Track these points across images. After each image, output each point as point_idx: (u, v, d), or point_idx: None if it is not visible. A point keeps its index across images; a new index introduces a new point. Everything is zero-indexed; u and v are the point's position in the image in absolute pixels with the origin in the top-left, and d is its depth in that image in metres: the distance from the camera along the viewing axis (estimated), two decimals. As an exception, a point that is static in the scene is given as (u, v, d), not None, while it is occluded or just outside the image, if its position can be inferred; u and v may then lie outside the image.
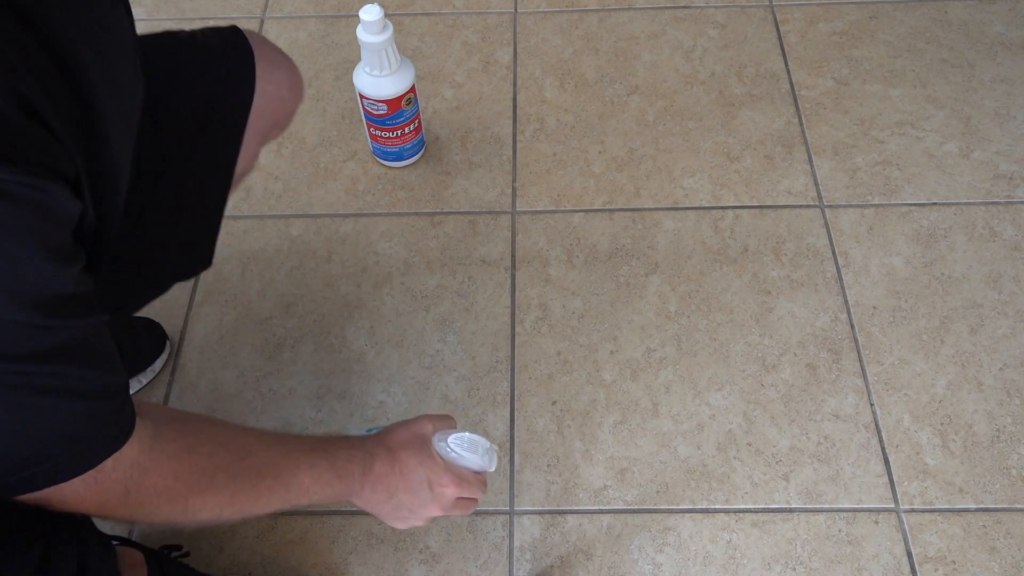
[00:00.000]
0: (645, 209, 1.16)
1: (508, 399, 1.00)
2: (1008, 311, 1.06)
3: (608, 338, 1.04)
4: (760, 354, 1.03)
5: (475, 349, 1.04)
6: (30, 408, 0.46)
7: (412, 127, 1.16)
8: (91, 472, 0.51)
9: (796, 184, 1.18)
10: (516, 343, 1.04)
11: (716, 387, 1.00)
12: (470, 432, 0.74)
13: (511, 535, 0.91)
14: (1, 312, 0.41)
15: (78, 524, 0.57)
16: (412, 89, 1.10)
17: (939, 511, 0.92)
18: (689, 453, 0.96)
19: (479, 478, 0.75)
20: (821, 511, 0.92)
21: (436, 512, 0.72)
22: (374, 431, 0.76)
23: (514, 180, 1.20)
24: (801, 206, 1.16)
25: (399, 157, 1.19)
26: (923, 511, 0.92)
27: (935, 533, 0.90)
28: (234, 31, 0.79)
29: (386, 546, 0.90)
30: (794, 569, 0.88)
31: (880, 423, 0.97)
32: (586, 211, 1.16)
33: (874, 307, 1.06)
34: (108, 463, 0.51)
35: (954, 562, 0.88)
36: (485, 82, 1.32)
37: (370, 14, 1.00)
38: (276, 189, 1.20)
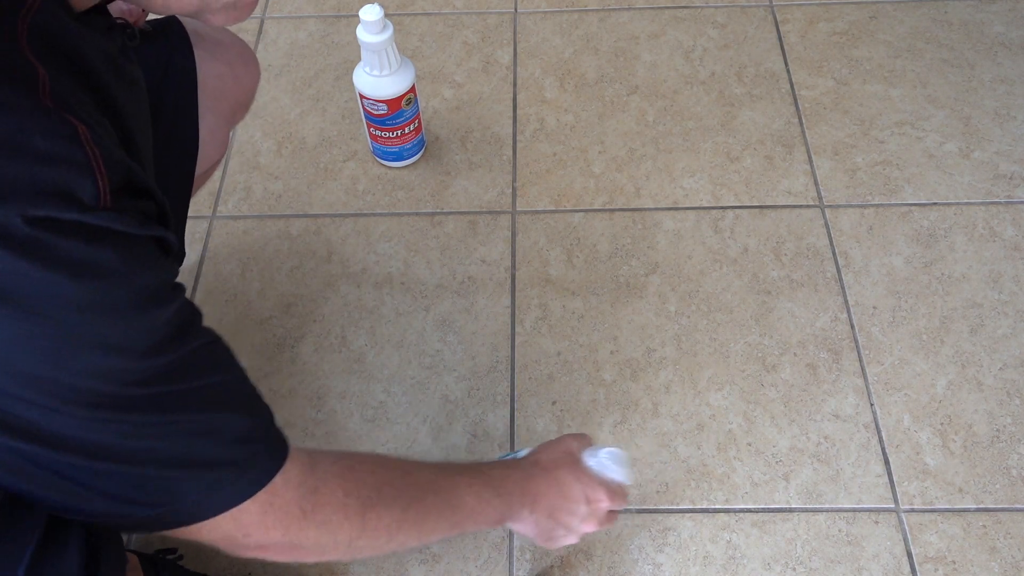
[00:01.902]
0: (645, 209, 1.16)
1: (508, 399, 1.00)
2: (1008, 311, 1.06)
3: (608, 338, 1.05)
4: (760, 354, 1.03)
5: (475, 349, 1.04)
6: (190, 433, 0.47)
7: (412, 127, 1.16)
8: (264, 494, 0.51)
9: (796, 184, 1.18)
10: (516, 343, 1.04)
11: (716, 387, 1.00)
12: (611, 446, 0.76)
13: (511, 535, 0.91)
14: (134, 335, 0.43)
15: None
16: (412, 89, 1.10)
17: (939, 511, 0.92)
18: (689, 453, 0.96)
19: (625, 490, 0.75)
20: (821, 511, 0.92)
21: (592, 528, 0.72)
22: (509, 457, 0.76)
23: (514, 180, 1.20)
24: (801, 206, 1.16)
25: (399, 157, 1.19)
26: (923, 511, 0.92)
27: (935, 533, 0.90)
28: (168, 18, 0.76)
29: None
30: (794, 569, 0.88)
31: (880, 423, 0.97)
32: (586, 211, 1.16)
33: (874, 307, 1.06)
34: (278, 482, 0.52)
35: (954, 562, 0.88)
36: (485, 82, 1.32)
37: (370, 14, 1.00)
38: (276, 189, 1.20)
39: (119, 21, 0.55)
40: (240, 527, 0.51)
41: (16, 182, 0.36)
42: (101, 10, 0.51)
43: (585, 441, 0.77)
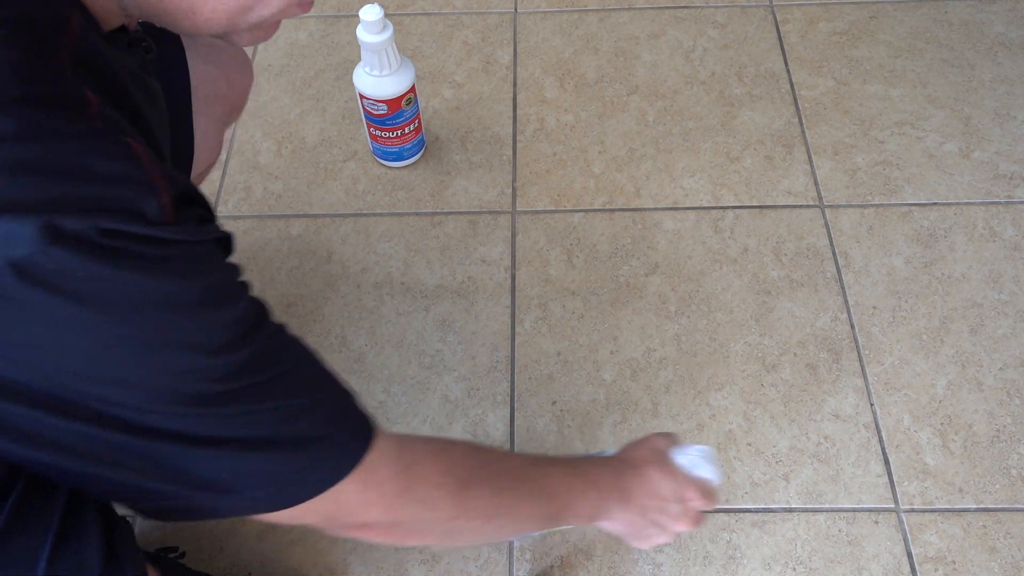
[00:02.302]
0: (645, 209, 1.16)
1: (508, 399, 1.00)
2: (1008, 311, 1.06)
3: (608, 338, 1.05)
4: (760, 354, 1.03)
5: (475, 349, 1.04)
6: (278, 420, 0.47)
7: (412, 127, 1.16)
8: (361, 471, 0.51)
9: (796, 184, 1.18)
10: (516, 343, 1.04)
11: (716, 387, 1.00)
12: (699, 445, 0.76)
13: (511, 535, 0.91)
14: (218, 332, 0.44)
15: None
16: (412, 89, 1.10)
17: (939, 511, 0.92)
18: (689, 453, 0.96)
19: (715, 488, 0.75)
20: (821, 511, 0.92)
21: (684, 527, 0.72)
22: (595, 455, 0.76)
23: (514, 180, 1.20)
24: (801, 206, 1.16)
25: (399, 157, 1.19)
26: (923, 511, 0.92)
27: (935, 533, 0.90)
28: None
29: (386, 546, 0.90)
30: (794, 569, 0.88)
31: (880, 423, 0.97)
32: (586, 211, 1.16)
33: (874, 307, 1.06)
34: (372, 458, 0.52)
35: (954, 562, 0.88)
36: (485, 82, 1.32)
37: (370, 14, 1.00)
38: (276, 189, 1.20)
39: (135, 34, 0.55)
40: (341, 507, 0.52)
41: (85, 201, 0.37)
42: (121, 27, 0.52)
43: (672, 439, 0.77)
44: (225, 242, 0.48)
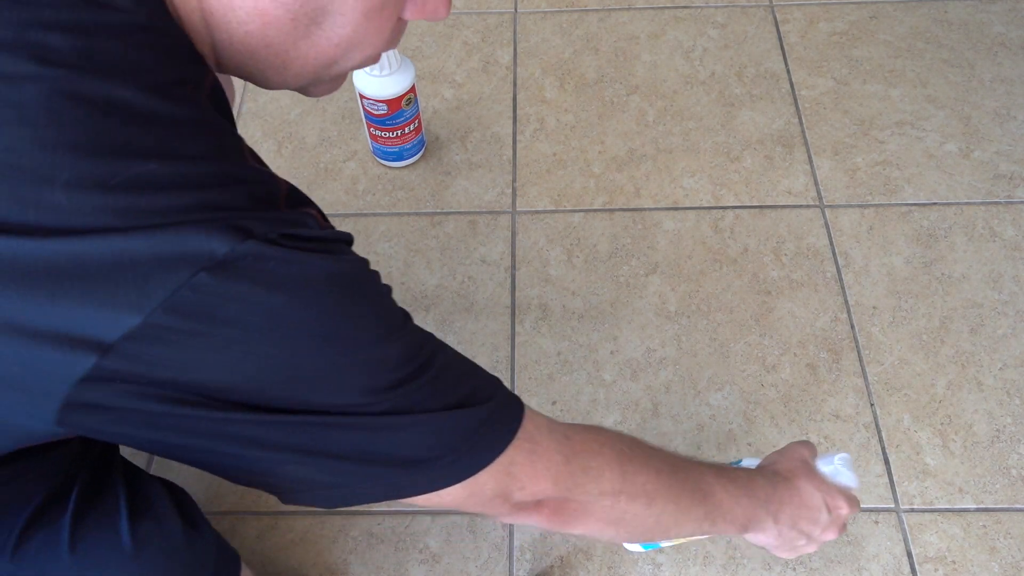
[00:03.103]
0: (645, 209, 1.16)
1: (508, 399, 1.00)
2: (1008, 311, 1.06)
3: (608, 338, 1.05)
4: (760, 354, 1.03)
5: (475, 349, 1.04)
6: (453, 380, 0.49)
7: (412, 127, 1.16)
8: (523, 440, 0.52)
9: (796, 184, 1.18)
10: (516, 343, 1.04)
11: (716, 387, 1.00)
12: (838, 453, 0.76)
13: (511, 535, 0.91)
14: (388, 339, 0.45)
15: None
16: (412, 89, 1.10)
17: (939, 511, 0.92)
18: (689, 453, 0.96)
19: (857, 495, 0.75)
20: (821, 511, 0.92)
21: (832, 535, 0.71)
22: (733, 465, 0.76)
23: (514, 180, 1.20)
24: (801, 206, 1.16)
25: (399, 157, 1.19)
26: (923, 511, 0.92)
27: (935, 533, 0.90)
28: None
29: (386, 546, 0.90)
30: (794, 569, 0.88)
31: (880, 423, 0.97)
32: (586, 211, 1.16)
33: (874, 307, 1.06)
34: (529, 427, 0.52)
35: (954, 562, 0.88)
36: (485, 82, 1.32)
37: (370, 14, 1.00)
38: (276, 189, 1.20)
39: None
40: (513, 477, 0.52)
41: (260, 207, 0.40)
42: None
43: (812, 448, 0.76)
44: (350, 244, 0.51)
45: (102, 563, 0.54)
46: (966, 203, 1.16)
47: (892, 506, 0.92)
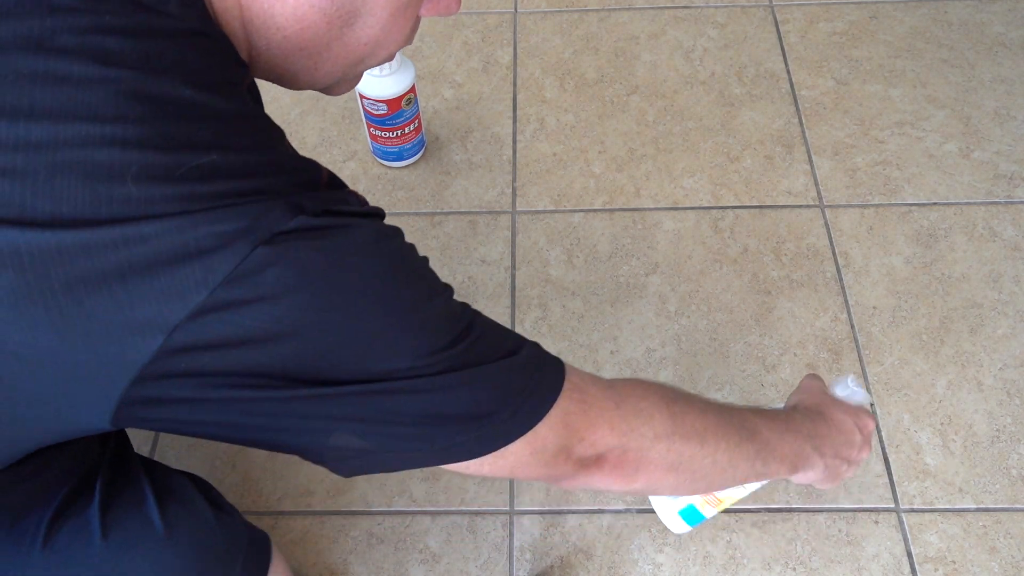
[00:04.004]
0: (645, 209, 1.16)
1: (508, 399, 1.00)
2: (1008, 311, 1.06)
3: (608, 338, 1.04)
4: (760, 354, 1.03)
5: (475, 349, 1.04)
6: (499, 337, 0.51)
7: (412, 127, 1.16)
8: (572, 391, 0.53)
9: (796, 184, 1.18)
10: (516, 343, 1.04)
11: (716, 387, 1.00)
12: (843, 375, 0.82)
13: (511, 535, 0.91)
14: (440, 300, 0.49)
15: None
16: (412, 89, 1.10)
17: (939, 511, 0.92)
18: (689, 453, 0.96)
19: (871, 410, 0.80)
20: (821, 511, 0.92)
21: (866, 454, 0.76)
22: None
23: (514, 180, 1.20)
24: (801, 206, 1.16)
25: (399, 157, 1.19)
26: (923, 511, 0.92)
27: (935, 533, 0.90)
28: None
29: (386, 546, 0.90)
30: (794, 569, 0.88)
31: (880, 423, 0.97)
32: (586, 211, 1.16)
33: (874, 307, 1.06)
34: (575, 379, 0.54)
35: (954, 562, 0.88)
36: (485, 82, 1.32)
37: (370, 14, 1.00)
38: (276, 189, 1.20)
39: None
40: (571, 429, 0.53)
41: (310, 186, 0.43)
42: None
43: (820, 379, 0.80)
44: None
45: (135, 547, 0.55)
46: (966, 203, 1.16)
47: (892, 506, 0.92)
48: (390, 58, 0.54)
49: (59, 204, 0.37)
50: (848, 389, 0.79)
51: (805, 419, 0.72)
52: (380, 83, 1.07)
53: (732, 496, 0.79)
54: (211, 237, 0.38)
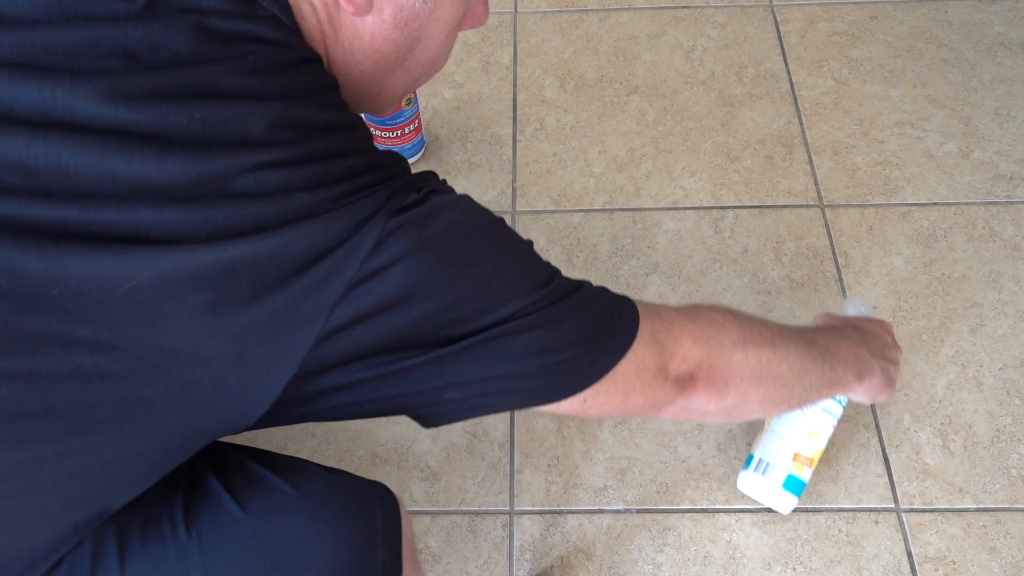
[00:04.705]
0: (645, 209, 1.16)
1: (508, 399, 1.00)
2: (1008, 311, 1.06)
3: (608, 338, 1.04)
4: (760, 354, 1.03)
5: (475, 349, 1.04)
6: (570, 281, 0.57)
7: (412, 127, 1.16)
8: (649, 317, 0.59)
9: (796, 184, 1.18)
10: (516, 343, 1.04)
11: (716, 387, 1.00)
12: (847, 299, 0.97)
13: (511, 535, 0.91)
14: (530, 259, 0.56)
15: None
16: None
17: (939, 511, 0.92)
18: (689, 453, 0.96)
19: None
20: (821, 511, 0.92)
21: (900, 352, 0.85)
22: None
23: (514, 180, 1.20)
24: (801, 206, 1.16)
25: (399, 157, 1.19)
26: (923, 511, 0.92)
27: (935, 533, 0.90)
28: None
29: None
30: (794, 569, 0.88)
31: (880, 423, 0.97)
32: (586, 211, 1.16)
33: (874, 307, 1.06)
34: (645, 304, 0.61)
35: (954, 562, 0.88)
36: (485, 82, 1.32)
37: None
38: (276, 189, 1.20)
39: None
40: (662, 346, 0.59)
41: (416, 180, 0.54)
42: None
43: (831, 314, 0.91)
44: None
45: (276, 513, 0.56)
46: (966, 203, 1.16)
47: (892, 506, 0.92)
48: (435, 73, 0.61)
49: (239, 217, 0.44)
50: (857, 307, 0.89)
51: (844, 330, 0.79)
52: (380, 83, 1.07)
53: (819, 448, 0.86)
54: (356, 222, 0.46)
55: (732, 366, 0.63)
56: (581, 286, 0.56)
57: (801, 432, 0.85)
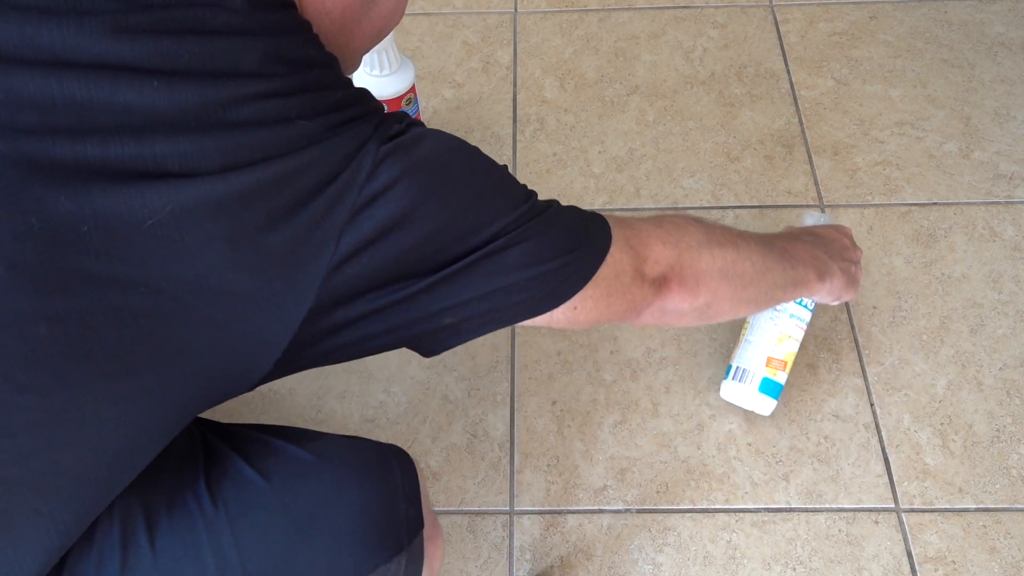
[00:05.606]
0: (645, 209, 1.16)
1: (508, 399, 1.00)
2: (1008, 311, 1.06)
3: (608, 338, 1.04)
4: (760, 354, 1.03)
5: (475, 349, 1.04)
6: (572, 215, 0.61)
7: (412, 127, 1.15)
8: (615, 222, 0.63)
9: (796, 184, 1.18)
10: (516, 343, 1.04)
11: (716, 387, 1.00)
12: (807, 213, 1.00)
13: (511, 535, 0.91)
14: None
15: None
16: (412, 89, 1.10)
17: (939, 511, 0.92)
18: (689, 453, 0.96)
19: None
20: (821, 511, 0.92)
21: (860, 254, 0.90)
22: None
23: (514, 180, 1.20)
24: (801, 206, 1.16)
25: (399, 157, 1.19)
26: (923, 511, 0.92)
27: (935, 533, 0.90)
28: None
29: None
30: (794, 569, 0.88)
31: (880, 423, 0.97)
32: (586, 211, 1.16)
33: (874, 307, 1.06)
34: (613, 215, 0.65)
35: (954, 562, 0.88)
36: (485, 82, 1.32)
37: (370, 14, 1.00)
38: (276, 189, 1.20)
39: None
40: (635, 250, 0.63)
41: (394, 114, 0.54)
42: None
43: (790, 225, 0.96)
44: None
45: (299, 479, 0.57)
46: (966, 203, 1.16)
47: (892, 506, 0.92)
48: (391, 29, 0.62)
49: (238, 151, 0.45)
50: (816, 218, 0.94)
51: (800, 235, 0.84)
52: (380, 83, 1.07)
53: (791, 351, 0.91)
54: (353, 149, 0.48)
55: (701, 266, 0.66)
56: (554, 202, 0.60)
57: (772, 337, 0.91)
